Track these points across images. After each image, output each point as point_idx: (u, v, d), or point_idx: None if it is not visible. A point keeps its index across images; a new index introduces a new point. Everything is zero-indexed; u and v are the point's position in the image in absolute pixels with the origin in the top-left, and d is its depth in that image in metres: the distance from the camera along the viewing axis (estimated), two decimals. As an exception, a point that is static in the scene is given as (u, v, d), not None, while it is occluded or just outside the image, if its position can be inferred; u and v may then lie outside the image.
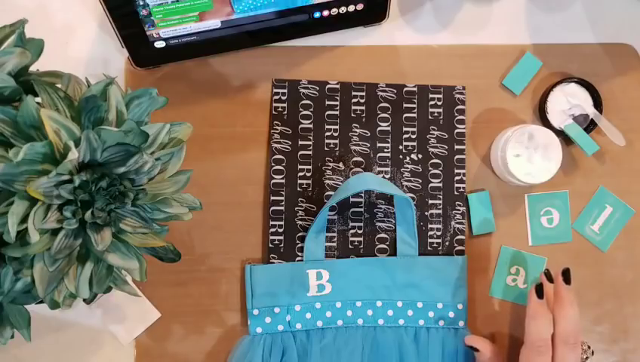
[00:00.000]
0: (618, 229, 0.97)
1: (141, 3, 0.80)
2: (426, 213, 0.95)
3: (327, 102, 0.95)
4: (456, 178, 0.95)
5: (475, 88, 0.97)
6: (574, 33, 0.99)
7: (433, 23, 0.98)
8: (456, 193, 0.95)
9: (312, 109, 0.95)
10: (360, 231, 0.95)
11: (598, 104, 0.95)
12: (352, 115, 0.95)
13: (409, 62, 0.96)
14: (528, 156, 0.90)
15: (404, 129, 0.96)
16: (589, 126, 0.96)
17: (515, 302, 0.96)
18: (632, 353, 0.97)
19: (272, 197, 0.94)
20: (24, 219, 0.58)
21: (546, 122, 0.95)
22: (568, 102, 0.95)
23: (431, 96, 0.96)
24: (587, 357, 0.87)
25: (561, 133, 0.94)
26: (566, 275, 0.85)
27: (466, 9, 0.98)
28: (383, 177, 0.95)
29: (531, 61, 0.97)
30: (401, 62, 0.96)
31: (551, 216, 0.97)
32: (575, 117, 0.95)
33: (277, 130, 0.94)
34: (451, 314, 0.93)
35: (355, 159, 0.95)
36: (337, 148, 0.95)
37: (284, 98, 0.95)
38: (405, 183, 0.95)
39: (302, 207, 0.94)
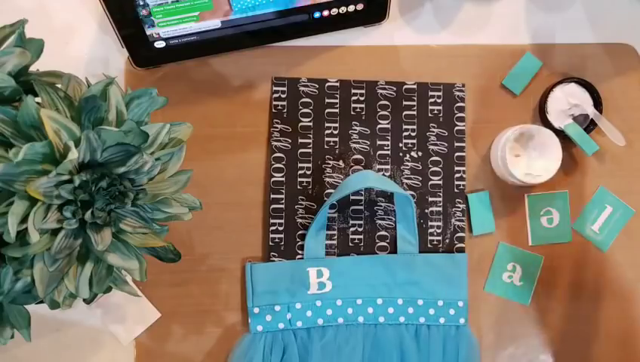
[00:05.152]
0: (618, 229, 0.97)
1: (141, 3, 0.80)
2: (426, 211, 0.95)
3: (327, 100, 0.95)
4: (456, 175, 0.95)
5: (475, 88, 0.97)
6: (574, 33, 0.99)
7: (433, 23, 0.98)
8: (456, 190, 0.95)
9: (311, 107, 0.95)
10: (360, 229, 0.95)
11: (598, 104, 0.95)
12: (352, 112, 0.95)
13: (409, 62, 0.97)
14: (528, 156, 0.90)
15: (404, 126, 0.96)
16: (589, 126, 0.96)
17: (509, 299, 0.96)
18: (632, 353, 0.97)
19: (272, 196, 0.94)
20: (24, 219, 0.58)
21: (546, 122, 0.95)
22: (568, 102, 0.95)
23: (430, 93, 0.96)
24: None
25: (561, 133, 0.94)
26: None
27: (466, 9, 0.98)
28: (383, 175, 0.95)
29: (531, 61, 0.97)
30: (401, 62, 0.96)
31: (551, 216, 0.97)
32: (575, 117, 0.95)
33: (277, 128, 0.94)
34: (452, 312, 0.93)
35: (355, 157, 0.95)
36: (337, 146, 0.95)
37: (283, 96, 0.95)
38: (405, 181, 0.95)
39: (302, 205, 0.94)
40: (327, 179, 0.95)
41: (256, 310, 0.92)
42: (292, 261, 0.93)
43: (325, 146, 0.95)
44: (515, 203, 0.97)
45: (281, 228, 0.94)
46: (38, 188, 0.57)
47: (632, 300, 0.97)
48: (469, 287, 0.95)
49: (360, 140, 0.95)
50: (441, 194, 0.95)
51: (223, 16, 0.86)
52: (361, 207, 0.95)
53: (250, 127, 0.95)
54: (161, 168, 0.69)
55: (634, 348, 0.97)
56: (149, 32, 0.85)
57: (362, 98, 0.96)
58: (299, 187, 0.94)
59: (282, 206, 0.94)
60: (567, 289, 0.96)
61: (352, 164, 0.95)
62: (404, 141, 0.96)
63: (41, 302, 0.67)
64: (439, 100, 0.96)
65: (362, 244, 0.95)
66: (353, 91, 0.96)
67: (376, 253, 0.95)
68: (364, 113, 0.96)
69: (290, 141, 0.95)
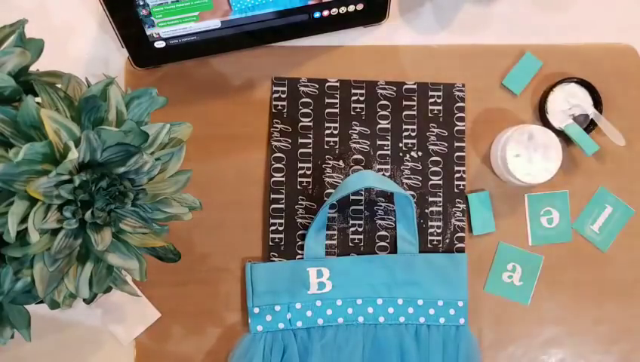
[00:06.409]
0: (618, 229, 0.97)
1: (141, 3, 0.80)
2: (426, 211, 0.95)
3: (327, 100, 0.95)
4: (457, 175, 0.95)
5: (475, 88, 0.97)
6: (574, 33, 0.99)
7: (433, 22, 0.98)
8: (456, 190, 0.95)
9: (311, 107, 0.95)
10: (360, 229, 0.95)
11: (598, 104, 0.95)
12: (352, 112, 0.95)
13: (409, 62, 0.97)
14: (528, 156, 0.90)
15: (404, 126, 0.96)
16: (589, 126, 0.96)
17: (509, 299, 0.96)
18: (632, 353, 0.97)
19: (273, 196, 0.94)
20: (24, 219, 0.58)
21: (546, 122, 0.95)
22: (568, 102, 0.95)
23: (430, 93, 0.96)
24: None
25: (561, 133, 0.94)
26: None
27: (465, 9, 0.98)
28: (383, 175, 0.95)
29: (531, 61, 0.97)
30: (401, 62, 0.96)
31: (551, 216, 0.97)
32: (575, 117, 0.95)
33: (277, 128, 0.94)
34: (452, 312, 0.93)
35: (355, 157, 0.95)
36: (337, 146, 0.95)
37: (283, 96, 0.95)
38: (405, 181, 0.95)
39: (302, 205, 0.94)
40: (327, 179, 0.95)
41: (256, 310, 0.92)
42: (292, 261, 0.93)
43: (325, 146, 0.95)
44: (515, 203, 0.97)
45: (281, 228, 0.94)
46: (38, 188, 0.57)
47: (632, 300, 0.97)
48: (469, 287, 0.95)
49: (360, 140, 0.95)
50: (441, 194, 0.95)
51: (222, 16, 0.86)
52: (361, 207, 0.95)
53: (250, 127, 0.95)
54: (161, 168, 0.69)
55: (633, 348, 0.97)
56: (149, 32, 0.85)
57: (362, 98, 0.96)
58: (299, 187, 0.94)
59: (282, 206, 0.94)
60: (567, 289, 0.96)
61: (352, 164, 0.95)
62: (404, 141, 0.96)
63: (41, 302, 0.67)
64: (439, 100, 0.96)
65: (362, 244, 0.95)
66: (353, 91, 0.96)
67: (376, 253, 0.95)
68: (364, 113, 0.96)
69: (290, 141, 0.95)
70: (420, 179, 0.95)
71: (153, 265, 0.76)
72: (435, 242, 0.95)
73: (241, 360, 0.91)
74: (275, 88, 0.95)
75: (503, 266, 0.96)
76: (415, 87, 0.96)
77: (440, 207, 0.95)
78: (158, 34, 0.86)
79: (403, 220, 0.94)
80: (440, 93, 0.96)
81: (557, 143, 0.91)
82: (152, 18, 0.83)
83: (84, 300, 0.69)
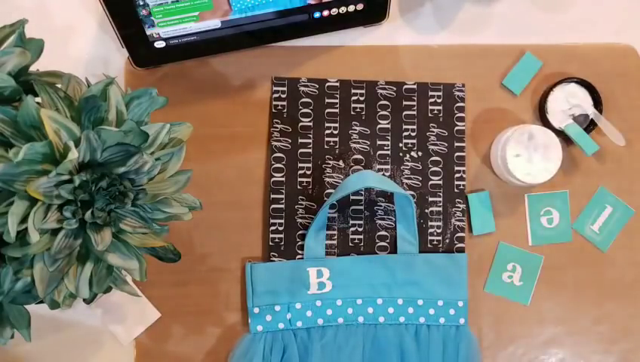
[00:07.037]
0: (618, 229, 0.97)
1: (141, 3, 0.80)
2: (426, 211, 0.95)
3: (327, 100, 0.95)
4: (457, 175, 0.95)
5: (475, 88, 0.97)
6: (574, 33, 0.99)
7: (433, 23, 0.98)
8: (456, 190, 0.95)
9: (311, 107, 0.95)
10: (360, 229, 0.95)
11: (598, 104, 0.95)
12: (352, 112, 0.95)
13: (409, 62, 0.97)
14: (528, 156, 0.90)
15: (404, 126, 0.96)
16: (589, 126, 0.96)
17: (509, 299, 0.96)
18: (632, 353, 0.97)
19: (272, 196, 0.94)
20: (24, 219, 0.58)
21: (546, 122, 0.95)
22: (568, 102, 0.95)
23: (430, 93, 0.96)
24: None
25: (561, 133, 0.94)
26: None
27: (466, 9, 0.98)
28: (383, 175, 0.95)
29: (531, 61, 0.97)
30: (401, 62, 0.96)
31: (551, 216, 0.97)
32: (575, 117, 0.95)
33: (277, 128, 0.94)
34: (452, 312, 0.93)
35: (355, 157, 0.95)
36: (337, 146, 0.95)
37: (283, 96, 0.95)
38: (405, 181, 0.95)
39: (302, 205, 0.94)
40: (327, 179, 0.95)
41: (256, 310, 0.92)
42: (292, 261, 0.93)
43: (325, 146, 0.95)
44: (515, 203, 0.97)
45: (281, 228, 0.94)
46: (38, 188, 0.57)
47: (632, 300, 0.97)
48: (469, 287, 0.95)
49: (360, 140, 0.95)
50: (441, 194, 0.95)
51: (222, 16, 0.86)
52: (361, 207, 0.95)
53: (250, 127, 0.95)
54: (161, 168, 0.69)
55: (633, 348, 0.97)
56: (149, 32, 0.85)
57: (362, 98, 0.96)
58: (299, 187, 0.94)
59: (282, 206, 0.94)
60: (567, 289, 0.96)
61: (352, 164, 0.95)
62: (404, 141, 0.96)
63: (41, 302, 0.67)
64: (439, 100, 0.96)
65: (362, 244, 0.95)
66: (353, 91, 0.96)
67: (376, 253, 0.95)
68: (364, 113, 0.96)
69: (290, 141, 0.95)
70: (420, 179, 0.95)
71: (153, 265, 0.76)
72: (435, 242, 0.95)
73: (241, 360, 0.91)
74: (275, 88, 0.95)
75: (503, 266, 0.96)
76: (415, 87, 0.96)
77: (440, 207, 0.95)
78: (158, 34, 0.86)
79: (403, 220, 0.94)
80: (440, 93, 0.96)
81: (557, 143, 0.91)
82: (152, 18, 0.83)
83: (84, 300, 0.69)
